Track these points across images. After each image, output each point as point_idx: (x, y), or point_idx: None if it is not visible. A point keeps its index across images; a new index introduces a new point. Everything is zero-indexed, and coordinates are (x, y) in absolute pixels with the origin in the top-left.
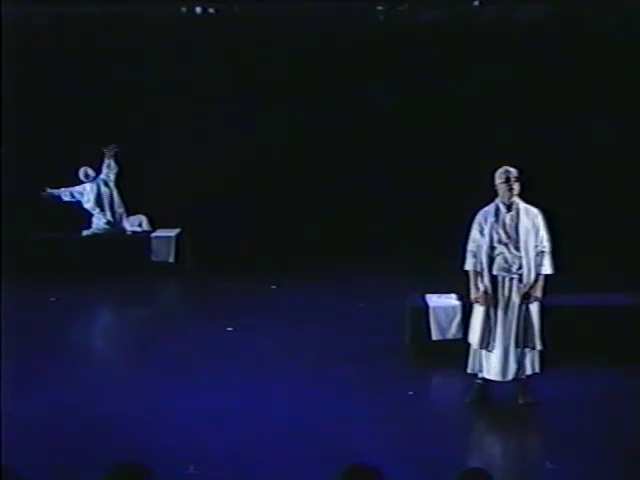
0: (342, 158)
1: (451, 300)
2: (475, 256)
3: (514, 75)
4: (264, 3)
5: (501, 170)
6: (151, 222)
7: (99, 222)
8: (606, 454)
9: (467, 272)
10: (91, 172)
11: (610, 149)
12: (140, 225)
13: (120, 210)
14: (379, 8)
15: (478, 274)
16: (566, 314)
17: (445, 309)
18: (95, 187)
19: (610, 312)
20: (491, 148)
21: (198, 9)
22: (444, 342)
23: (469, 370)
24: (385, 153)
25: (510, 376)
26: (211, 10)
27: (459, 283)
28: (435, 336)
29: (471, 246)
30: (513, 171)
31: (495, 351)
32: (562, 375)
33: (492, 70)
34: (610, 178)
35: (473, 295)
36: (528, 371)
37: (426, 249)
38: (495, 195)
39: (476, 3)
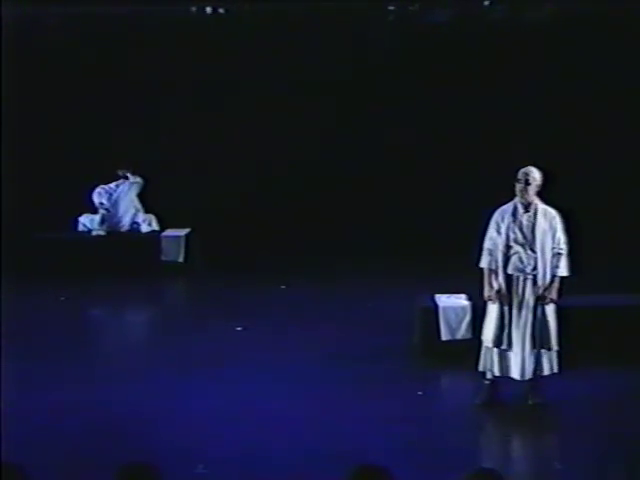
0: (352, 158)
1: (461, 300)
2: (491, 254)
3: (525, 74)
4: (274, 3)
5: (523, 170)
6: (160, 221)
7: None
8: (619, 455)
9: (480, 270)
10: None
11: (628, 149)
12: (150, 224)
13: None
14: (390, 8)
15: (492, 272)
16: (582, 315)
17: (455, 309)
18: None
19: (625, 312)
20: (500, 148)
21: (208, 9)
22: (454, 342)
23: (480, 368)
24: (394, 153)
25: (528, 376)
26: (221, 10)
27: (468, 283)
28: (445, 336)
29: (487, 244)
30: (533, 172)
31: (513, 350)
32: (575, 375)
33: (502, 70)
34: (628, 179)
35: (486, 293)
36: (546, 371)
37: (436, 249)
38: (514, 194)
39: (486, 3)
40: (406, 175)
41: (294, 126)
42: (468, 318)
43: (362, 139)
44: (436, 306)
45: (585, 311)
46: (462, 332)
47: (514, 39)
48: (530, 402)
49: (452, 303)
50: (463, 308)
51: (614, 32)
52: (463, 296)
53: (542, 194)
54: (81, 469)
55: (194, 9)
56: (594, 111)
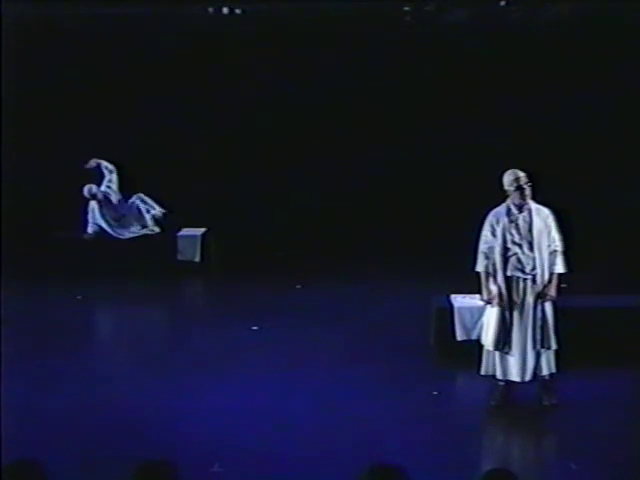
0: (367, 157)
1: (476, 300)
2: (487, 257)
3: (540, 75)
4: (290, 3)
5: (511, 177)
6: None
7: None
8: (626, 455)
9: (477, 274)
10: (95, 189)
11: (628, 148)
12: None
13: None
14: (406, 9)
15: (489, 275)
16: (582, 315)
17: (470, 309)
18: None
19: (625, 313)
20: (515, 147)
21: (225, 9)
22: (469, 342)
23: (483, 372)
24: (410, 152)
25: (528, 377)
26: (238, 11)
27: None
28: (460, 336)
29: (483, 247)
30: (522, 176)
31: (513, 353)
32: (580, 376)
33: (517, 70)
34: (629, 179)
35: (485, 296)
36: (544, 371)
37: (451, 249)
38: (506, 196)
39: (502, 3)
40: (422, 174)
41: (310, 126)
42: (483, 318)
43: (377, 138)
44: (451, 306)
45: (585, 311)
46: (477, 332)
47: (530, 39)
48: (546, 403)
49: (467, 303)
50: (478, 308)
51: (631, 32)
52: (478, 296)
53: (534, 193)
54: (98, 467)
55: (211, 10)
56: (596, 111)
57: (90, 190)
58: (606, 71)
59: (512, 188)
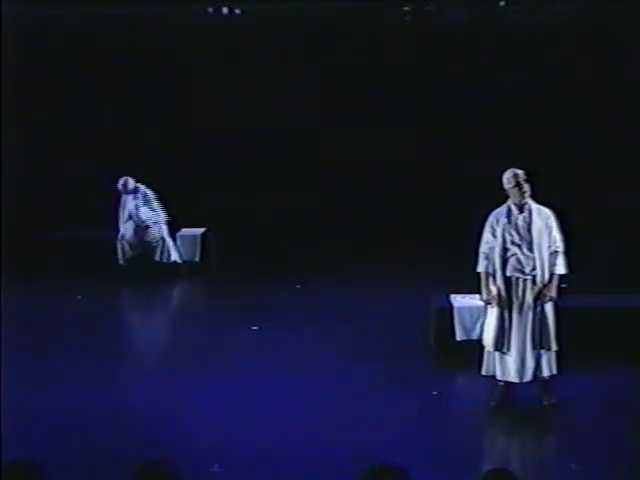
0: (368, 158)
1: (475, 300)
2: (487, 258)
3: (540, 75)
4: (290, 3)
5: (509, 174)
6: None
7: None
8: (626, 455)
9: (478, 274)
10: (132, 183)
11: (629, 148)
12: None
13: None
14: (406, 9)
15: (490, 276)
16: (584, 315)
17: (470, 309)
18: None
19: (626, 314)
20: (515, 147)
21: (225, 10)
22: (469, 342)
23: (483, 372)
24: (410, 153)
25: (528, 377)
26: (237, 11)
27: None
28: (460, 336)
29: (483, 248)
30: (521, 173)
31: (511, 353)
32: (580, 376)
33: (517, 70)
34: (625, 178)
35: (485, 297)
36: (545, 372)
37: (451, 249)
38: (506, 196)
39: (502, 3)
40: (422, 175)
41: (310, 126)
42: (483, 318)
43: (377, 139)
44: (451, 306)
45: (585, 311)
46: (477, 332)
47: (530, 39)
48: (545, 403)
49: (467, 303)
50: (478, 308)
51: (631, 32)
52: (478, 296)
53: (535, 194)
54: (98, 467)
55: (211, 10)
56: (596, 111)
57: (126, 183)
58: (606, 71)
59: (511, 185)
